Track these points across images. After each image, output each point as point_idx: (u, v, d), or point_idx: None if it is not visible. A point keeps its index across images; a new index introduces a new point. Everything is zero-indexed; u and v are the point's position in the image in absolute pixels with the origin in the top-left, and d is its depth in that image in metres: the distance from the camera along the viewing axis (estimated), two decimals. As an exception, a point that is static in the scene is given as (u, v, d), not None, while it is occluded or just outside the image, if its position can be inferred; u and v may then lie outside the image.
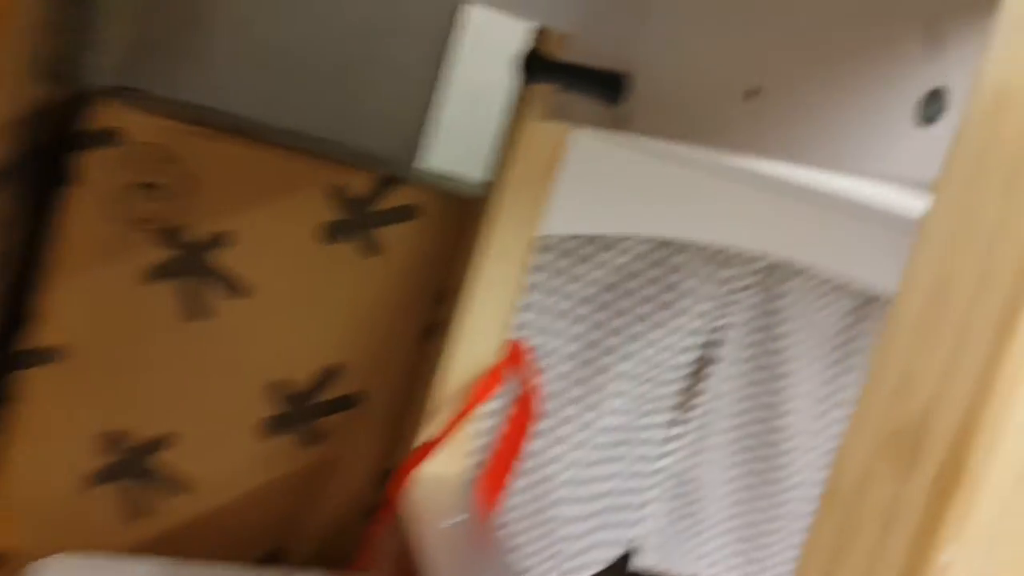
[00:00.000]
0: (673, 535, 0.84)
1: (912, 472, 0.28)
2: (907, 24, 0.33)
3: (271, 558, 0.75)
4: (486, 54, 0.90)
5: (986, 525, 0.27)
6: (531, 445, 0.73)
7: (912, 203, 0.37)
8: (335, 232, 0.71)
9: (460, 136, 0.91)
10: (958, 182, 0.28)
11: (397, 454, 0.74)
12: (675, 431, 0.81)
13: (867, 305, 0.84)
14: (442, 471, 0.72)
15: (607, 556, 0.81)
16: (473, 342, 0.70)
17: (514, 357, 0.70)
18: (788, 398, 0.83)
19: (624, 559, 0.82)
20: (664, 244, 0.74)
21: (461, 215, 0.73)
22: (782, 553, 0.89)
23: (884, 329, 0.29)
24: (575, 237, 0.71)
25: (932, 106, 0.32)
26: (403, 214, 0.72)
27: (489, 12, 0.88)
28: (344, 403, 0.74)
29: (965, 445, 0.27)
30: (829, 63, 0.37)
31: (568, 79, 0.58)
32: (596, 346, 0.74)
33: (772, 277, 0.80)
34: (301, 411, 0.73)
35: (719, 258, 0.76)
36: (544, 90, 0.67)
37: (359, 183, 0.70)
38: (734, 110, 0.42)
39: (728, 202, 0.75)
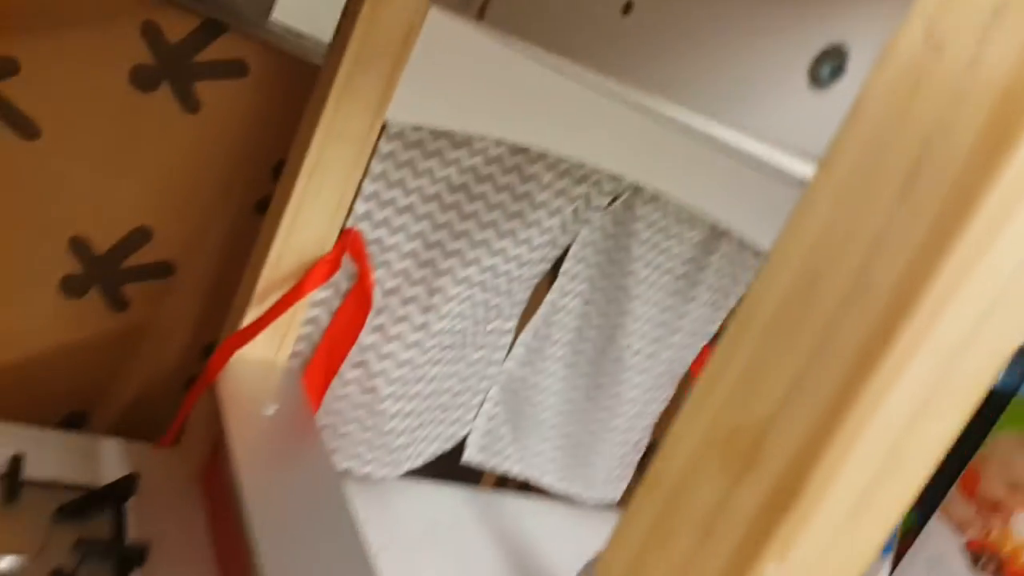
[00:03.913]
0: (504, 436, 0.83)
1: (745, 476, 0.25)
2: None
3: (71, 422, 0.69)
4: None
5: (814, 549, 0.25)
6: (363, 339, 0.68)
7: (786, 159, 0.33)
8: (147, 78, 0.60)
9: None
10: (848, 164, 0.23)
11: (219, 332, 0.68)
12: (514, 340, 0.78)
13: (716, 239, 0.83)
14: (265, 356, 0.67)
15: (434, 452, 0.79)
16: (307, 224, 0.63)
17: (350, 246, 0.64)
18: (630, 320, 0.81)
19: (452, 455, 0.81)
20: (519, 150, 0.68)
21: (304, 81, 0.64)
22: (608, 465, 0.90)
23: (739, 315, 0.25)
24: (423, 128, 0.63)
25: (826, 66, 0.27)
26: (231, 69, 0.62)
27: None
28: (153, 271, 0.66)
29: (807, 463, 0.24)
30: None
31: None
32: (438, 247, 0.69)
33: (626, 199, 0.76)
34: (104, 272, 0.65)
35: (575, 173, 0.71)
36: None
37: (179, 24, 0.59)
38: (610, 22, 0.36)
39: (590, 116, 0.69)
